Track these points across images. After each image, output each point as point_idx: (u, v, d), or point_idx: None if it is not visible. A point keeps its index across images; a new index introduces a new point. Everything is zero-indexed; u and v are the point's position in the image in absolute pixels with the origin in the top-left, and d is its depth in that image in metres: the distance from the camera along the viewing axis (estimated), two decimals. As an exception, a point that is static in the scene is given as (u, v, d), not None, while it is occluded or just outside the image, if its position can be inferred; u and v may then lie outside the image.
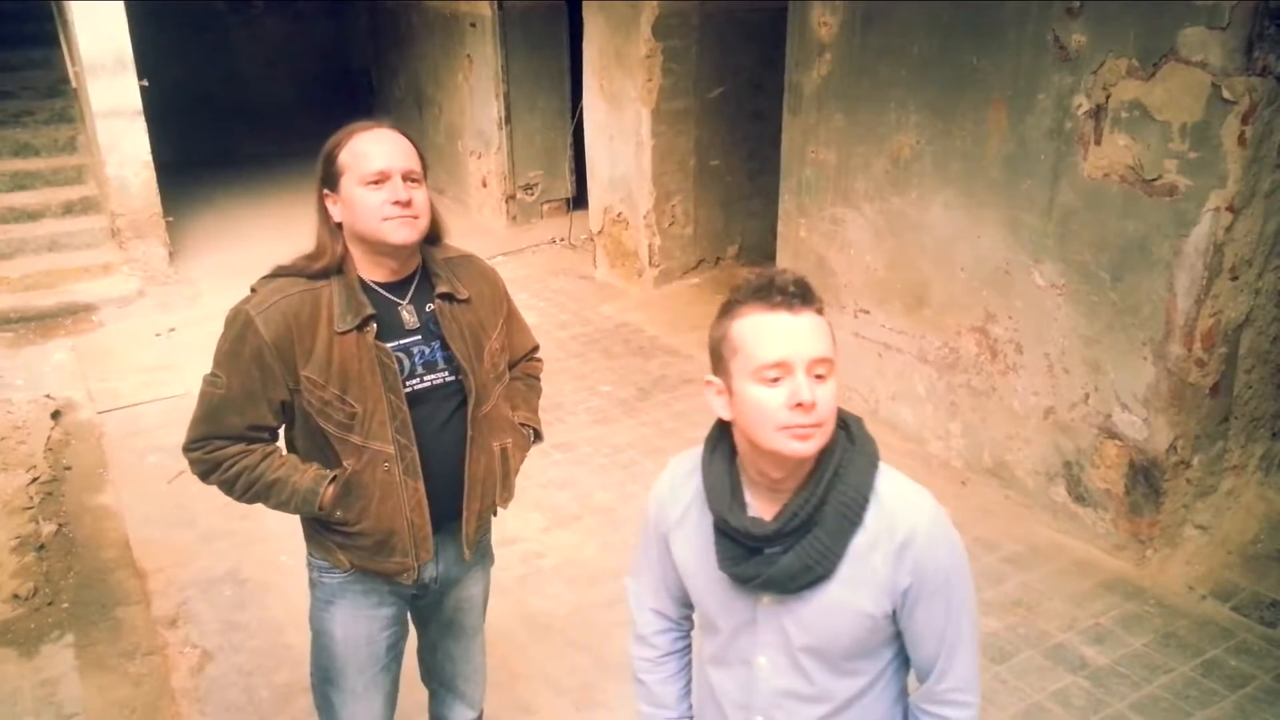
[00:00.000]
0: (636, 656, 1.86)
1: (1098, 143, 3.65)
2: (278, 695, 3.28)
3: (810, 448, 1.45)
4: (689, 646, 1.85)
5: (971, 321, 4.30)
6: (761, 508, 1.55)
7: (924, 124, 4.31)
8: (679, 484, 1.70)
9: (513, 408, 2.33)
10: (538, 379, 2.50)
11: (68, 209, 7.49)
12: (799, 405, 1.42)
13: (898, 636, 1.60)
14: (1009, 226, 4.04)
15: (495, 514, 2.33)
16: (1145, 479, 3.74)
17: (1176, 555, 3.79)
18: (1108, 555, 3.87)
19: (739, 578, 1.55)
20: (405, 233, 2.00)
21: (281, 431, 2.17)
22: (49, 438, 4.97)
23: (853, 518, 1.50)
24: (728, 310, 1.51)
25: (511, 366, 2.37)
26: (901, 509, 1.52)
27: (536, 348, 2.50)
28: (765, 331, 1.45)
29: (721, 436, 1.61)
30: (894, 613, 1.55)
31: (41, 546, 4.09)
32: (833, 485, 1.50)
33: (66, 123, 7.92)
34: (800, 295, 1.46)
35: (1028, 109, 3.87)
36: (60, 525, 4.25)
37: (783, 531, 1.49)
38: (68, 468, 4.76)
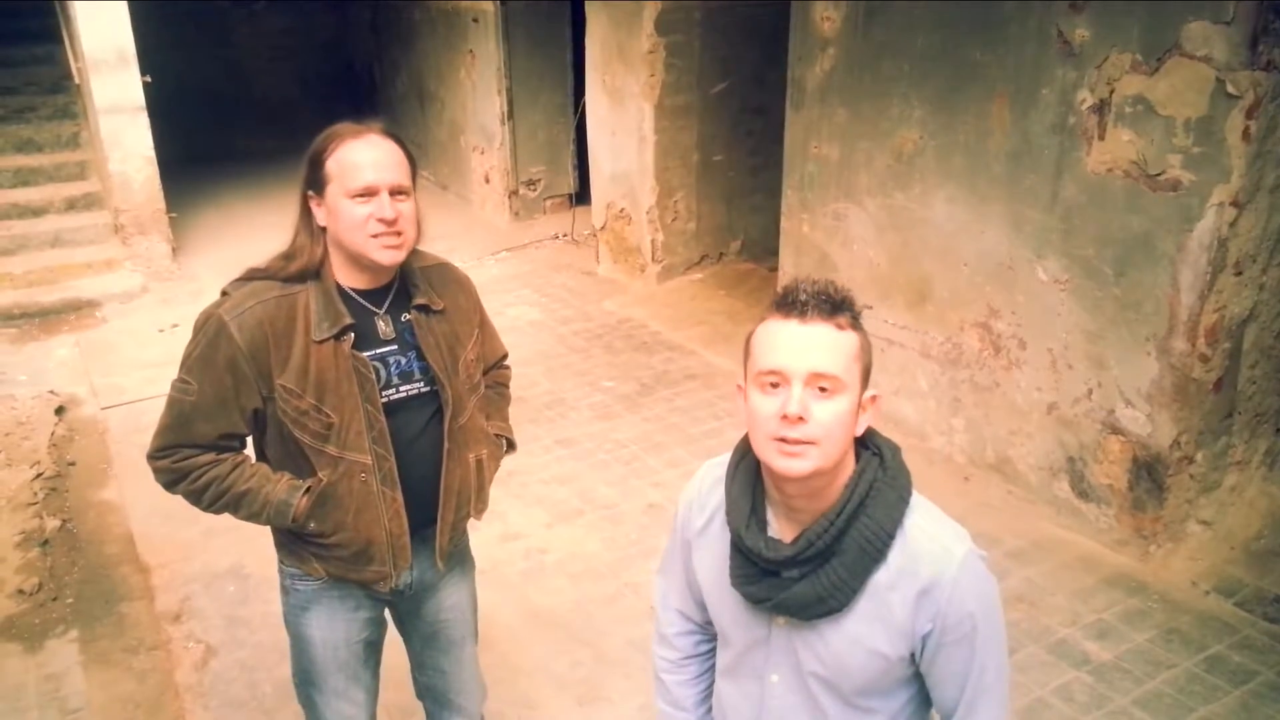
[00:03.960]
0: (659, 655, 1.84)
1: (1101, 138, 3.64)
2: (280, 690, 3.29)
3: (798, 466, 1.39)
4: (712, 651, 1.81)
5: (974, 317, 4.29)
6: (782, 528, 1.50)
7: (927, 119, 4.30)
8: (707, 490, 1.64)
9: (486, 417, 2.30)
10: (507, 387, 2.47)
11: (71, 205, 7.49)
12: (784, 417, 1.37)
13: (916, 677, 1.54)
14: (1012, 221, 4.04)
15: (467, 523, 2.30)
16: (1149, 474, 3.73)
17: (1180, 551, 3.79)
18: (1111, 551, 3.87)
19: (751, 597, 1.51)
20: (391, 255, 1.97)
21: (250, 440, 2.12)
22: (53, 433, 4.98)
23: (874, 553, 1.43)
24: (760, 317, 1.48)
25: (483, 375, 2.33)
26: (929, 552, 1.45)
27: (505, 355, 2.46)
28: (771, 338, 1.41)
29: (749, 449, 1.54)
30: (911, 655, 1.49)
31: (46, 542, 4.10)
32: (856, 516, 1.43)
33: (69, 118, 7.92)
34: (817, 305, 1.40)
35: (1031, 104, 3.86)
36: (64, 521, 4.26)
37: (798, 559, 1.44)
38: (72, 463, 4.77)
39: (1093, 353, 3.84)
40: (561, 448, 4.73)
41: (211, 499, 2.04)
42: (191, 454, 2.02)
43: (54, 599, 3.77)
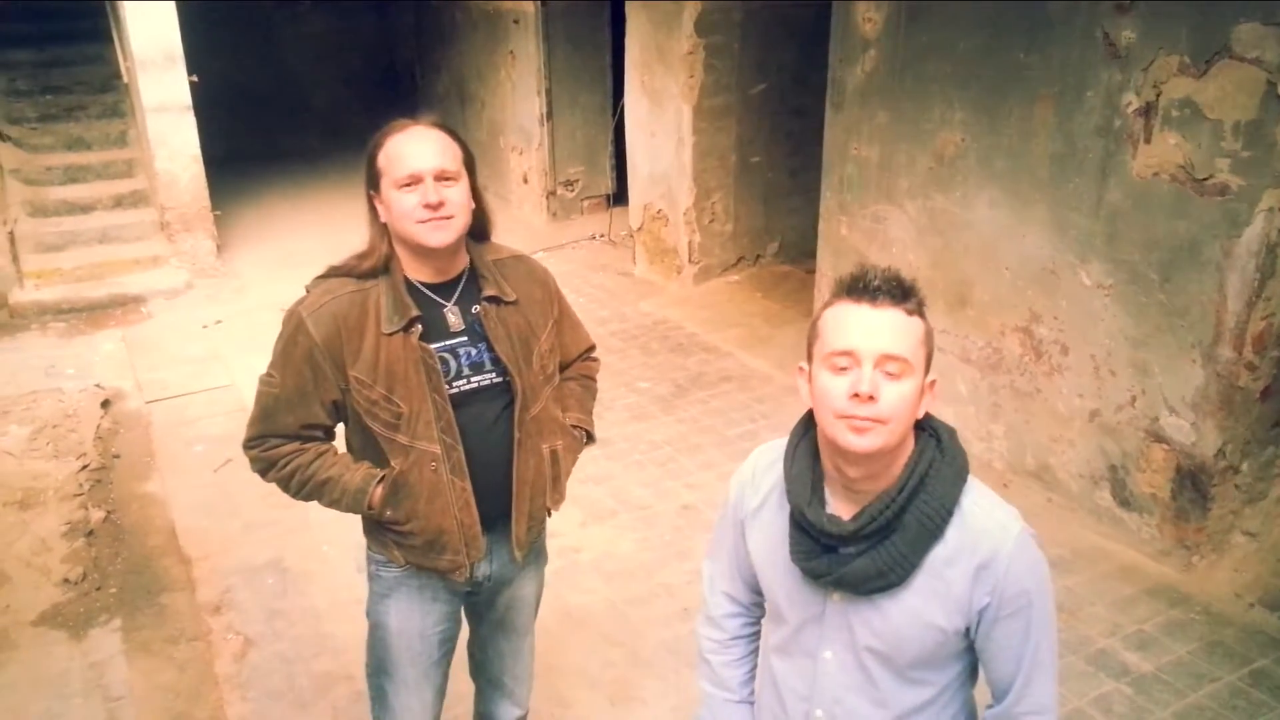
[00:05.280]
0: (704, 636, 1.87)
1: (1147, 141, 3.59)
2: (317, 683, 3.33)
3: (865, 443, 1.44)
4: (758, 633, 1.86)
5: (1016, 321, 4.24)
6: (840, 507, 1.55)
7: (969, 121, 4.26)
8: (761, 472, 1.69)
9: (565, 409, 2.32)
10: (593, 379, 2.48)
11: (118, 202, 7.63)
12: (855, 395, 1.42)
13: (968, 651, 1.59)
14: (1055, 225, 3.99)
15: (548, 514, 2.33)
16: (1192, 484, 3.67)
17: (1224, 562, 3.72)
18: (1152, 561, 3.81)
19: (810, 573, 1.56)
20: (439, 236, 2.01)
21: (340, 430, 2.20)
22: (99, 426, 5.08)
23: (933, 529, 1.48)
24: (826, 301, 1.53)
25: (566, 367, 2.37)
26: (986, 528, 1.50)
27: (593, 347, 2.48)
28: (842, 320, 1.47)
29: (807, 430, 1.60)
30: (967, 629, 1.54)
31: (91, 532, 4.18)
32: (916, 494, 1.48)
33: (118, 117, 8.07)
34: (887, 291, 1.46)
35: (1076, 106, 3.81)
36: (109, 512, 4.34)
37: (860, 533, 1.49)
38: (116, 456, 4.86)
39: (1136, 359, 3.78)
40: (596, 448, 4.67)
41: (297, 486, 2.14)
42: (278, 444, 2.12)
43: (98, 588, 3.84)
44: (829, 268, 5.26)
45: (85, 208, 7.51)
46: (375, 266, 2.07)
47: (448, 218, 2.00)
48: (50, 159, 7.65)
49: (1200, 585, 3.66)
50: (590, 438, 2.41)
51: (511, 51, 8.41)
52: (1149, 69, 3.53)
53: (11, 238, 6.96)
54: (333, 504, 2.15)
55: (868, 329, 1.44)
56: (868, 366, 1.43)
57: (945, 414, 4.59)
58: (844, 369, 1.45)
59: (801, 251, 6.95)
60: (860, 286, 1.47)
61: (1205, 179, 3.43)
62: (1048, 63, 3.88)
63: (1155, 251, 3.64)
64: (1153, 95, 3.54)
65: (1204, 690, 3.17)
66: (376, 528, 2.21)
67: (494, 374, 2.13)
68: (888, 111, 4.66)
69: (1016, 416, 4.33)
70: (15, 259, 6.94)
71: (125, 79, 7.58)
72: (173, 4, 6.95)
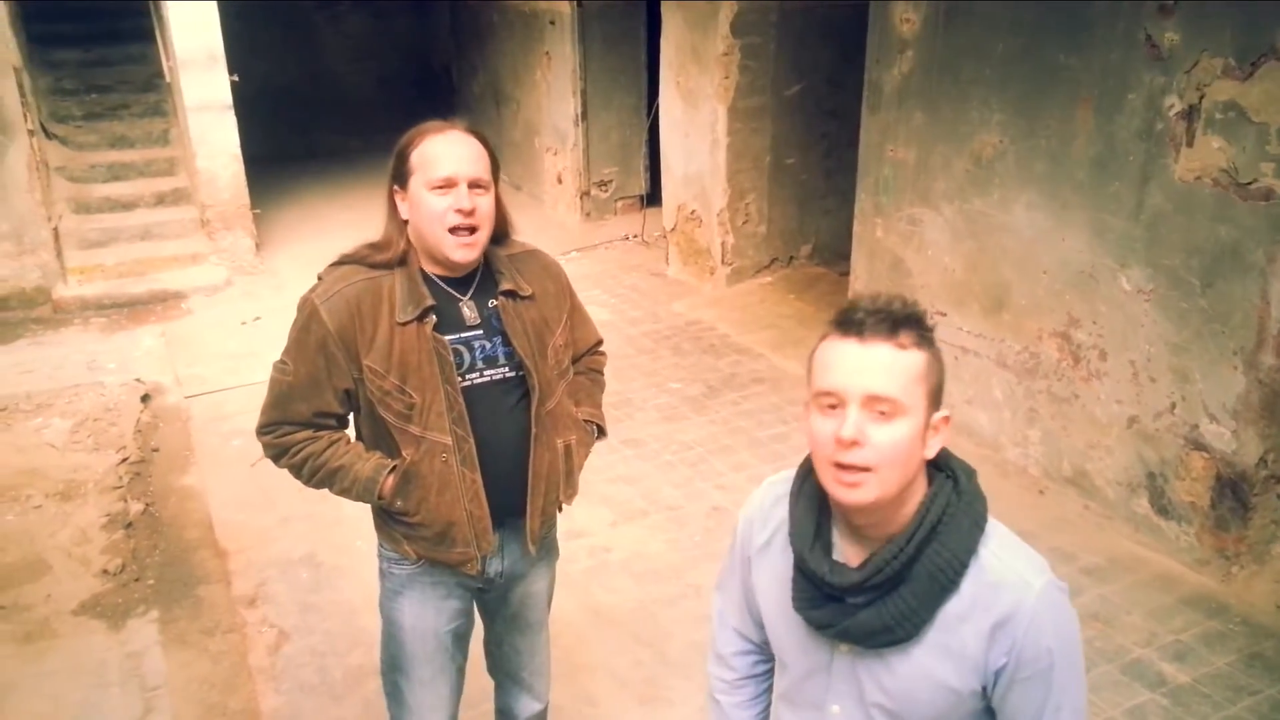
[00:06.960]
0: (714, 676, 1.78)
1: (1190, 144, 3.53)
2: (350, 676, 3.36)
3: (855, 498, 1.34)
4: (769, 672, 1.76)
5: (1053, 326, 4.20)
6: (848, 552, 1.44)
7: (1008, 123, 4.22)
8: (769, 507, 1.58)
9: (576, 403, 2.33)
10: (601, 373, 2.49)
11: (160, 199, 7.74)
12: (839, 440, 1.32)
13: (987, 711, 1.46)
14: (1095, 229, 3.94)
15: (560, 510, 2.33)
16: (1233, 493, 3.61)
17: (1264, 573, 3.65)
18: (1190, 570, 3.75)
19: (814, 622, 1.46)
20: (464, 254, 2.03)
21: (351, 419, 2.21)
22: (138, 420, 5.16)
23: (945, 583, 1.36)
24: (822, 333, 1.41)
25: (575, 360, 2.36)
26: (1005, 582, 1.37)
27: (600, 342, 2.48)
28: (829, 357, 1.35)
29: (814, 467, 1.46)
30: (983, 689, 1.42)
31: (129, 524, 4.24)
32: (928, 542, 1.36)
33: (160, 116, 8.18)
34: (876, 324, 1.32)
35: (1117, 109, 3.76)
36: (147, 505, 4.41)
37: (865, 585, 1.38)
38: (155, 449, 4.93)
39: (1176, 365, 3.73)
40: (627, 448, 4.75)
41: (309, 474, 2.15)
42: (290, 430, 2.13)
43: (136, 580, 3.90)
44: (863, 270, 5.24)
45: (128, 205, 7.63)
46: (390, 260, 2.07)
47: (475, 228, 2.02)
48: (94, 157, 7.77)
49: (1240, 596, 3.60)
50: (601, 431, 2.40)
51: (547, 52, 8.44)
52: (1192, 71, 3.48)
53: (56, 234, 7.09)
54: (343, 492, 2.15)
55: (852, 367, 1.32)
56: (853, 408, 1.31)
57: (980, 419, 4.58)
58: (833, 409, 1.34)
59: (835, 254, 6.91)
60: (847, 320, 1.34)
61: (1249, 183, 3.37)
62: (1088, 65, 3.83)
63: (1196, 256, 3.59)
64: (1195, 98, 3.48)
65: (1242, 703, 3.12)
66: (387, 522, 2.21)
67: (507, 368, 2.13)
68: (925, 113, 4.63)
69: (1053, 422, 4.29)
70: (59, 255, 7.06)
71: (168, 78, 7.70)
72: (214, 4, 7.05)
